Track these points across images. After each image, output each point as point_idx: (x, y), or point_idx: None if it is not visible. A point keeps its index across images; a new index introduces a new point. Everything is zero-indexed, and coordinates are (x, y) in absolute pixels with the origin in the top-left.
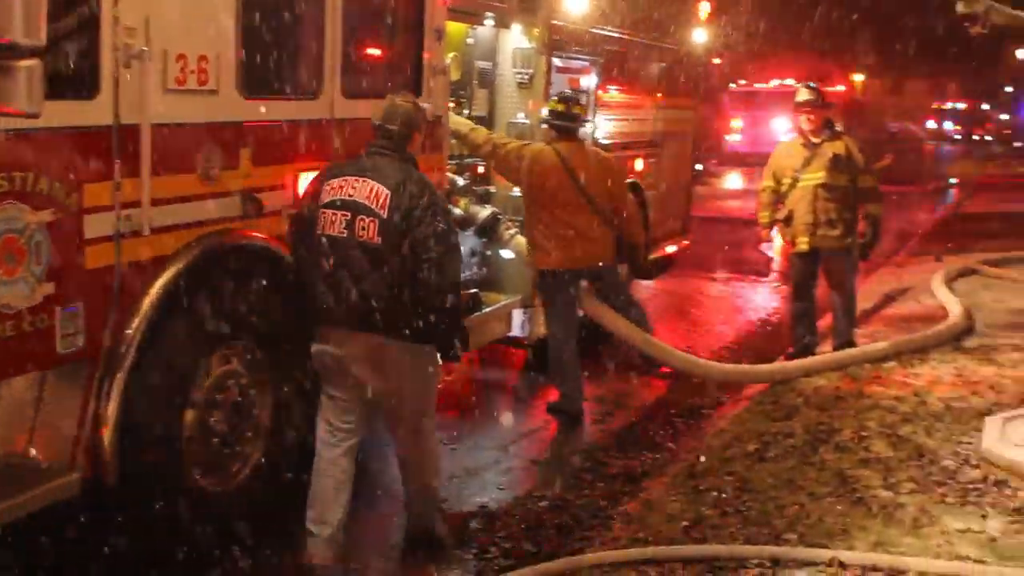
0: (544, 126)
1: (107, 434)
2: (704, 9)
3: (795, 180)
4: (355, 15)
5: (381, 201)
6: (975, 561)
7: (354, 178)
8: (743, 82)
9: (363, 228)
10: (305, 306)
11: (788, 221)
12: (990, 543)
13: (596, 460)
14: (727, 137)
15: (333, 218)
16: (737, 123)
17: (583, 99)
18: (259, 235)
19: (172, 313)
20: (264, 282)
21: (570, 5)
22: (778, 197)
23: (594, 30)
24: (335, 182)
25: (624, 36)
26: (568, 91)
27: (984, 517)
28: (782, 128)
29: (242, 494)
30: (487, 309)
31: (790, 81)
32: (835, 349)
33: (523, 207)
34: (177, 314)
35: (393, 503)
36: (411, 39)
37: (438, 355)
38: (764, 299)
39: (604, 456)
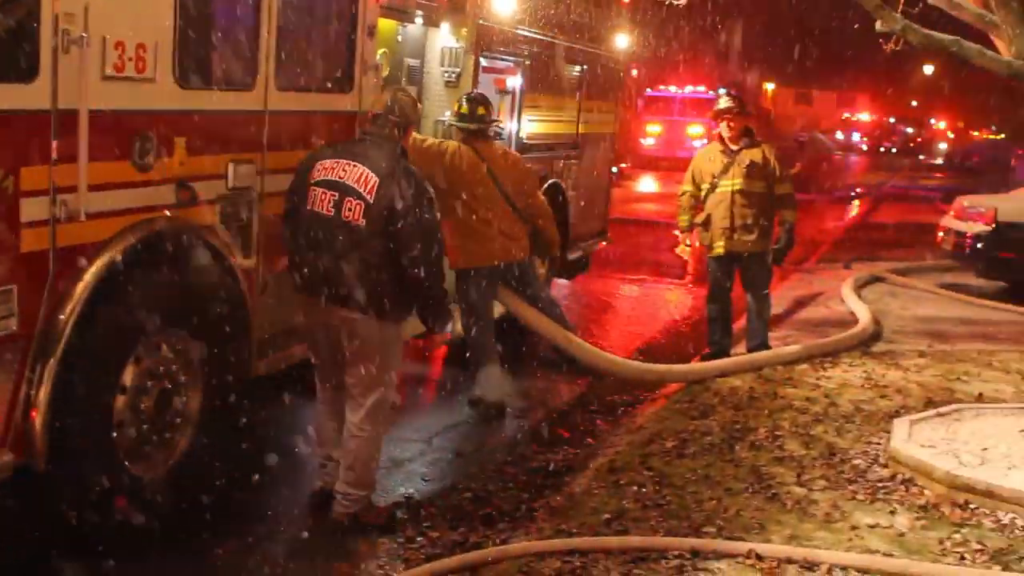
0: (451, 127)
1: (39, 418)
2: (625, 13)
3: (714, 185)
4: (291, 9)
5: (369, 186)
6: (884, 554)
7: (346, 161)
8: (661, 87)
9: (349, 209)
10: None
11: (706, 225)
12: (898, 538)
13: (518, 454)
14: (642, 141)
15: (323, 196)
16: (652, 127)
17: (497, 100)
18: (193, 223)
19: (106, 299)
20: (197, 270)
21: (498, 6)
22: (697, 201)
23: (520, 31)
24: (328, 162)
25: (549, 38)
26: (475, 92)
27: (892, 513)
28: (695, 133)
29: (172, 481)
30: None
31: (702, 88)
32: (749, 351)
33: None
34: (111, 300)
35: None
36: (344, 35)
37: (402, 330)
38: (679, 300)
39: (525, 450)
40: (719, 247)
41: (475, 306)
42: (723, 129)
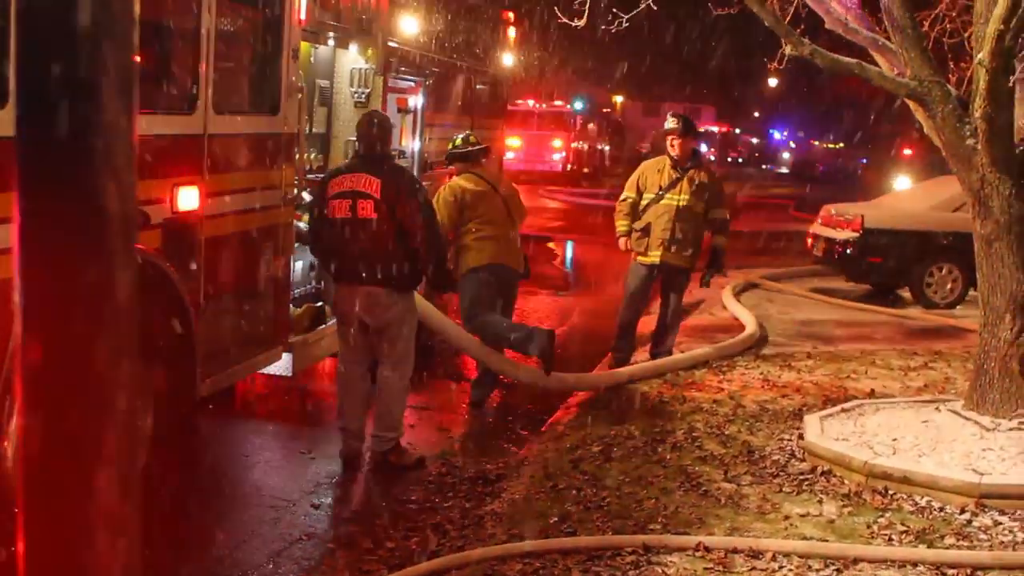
0: (450, 163)
1: (8, 447)
2: (512, 35)
3: (659, 196)
4: (226, 36)
5: (374, 187)
6: (820, 540)
7: (351, 174)
8: (519, 101)
9: (362, 208)
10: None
11: (645, 232)
12: (829, 524)
13: (451, 465)
14: (505, 155)
15: (340, 205)
16: (513, 141)
17: (399, 119)
18: (144, 247)
19: None
20: (147, 292)
21: (403, 27)
22: (635, 209)
23: (422, 52)
24: (337, 179)
25: (447, 59)
26: (466, 132)
27: (820, 503)
28: (556, 146)
29: None
30: (330, 323)
31: (559, 102)
32: (653, 357)
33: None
34: None
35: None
36: (271, 59)
37: (414, 298)
38: (567, 309)
39: (457, 461)
40: (655, 256)
41: (482, 299)
42: (668, 148)
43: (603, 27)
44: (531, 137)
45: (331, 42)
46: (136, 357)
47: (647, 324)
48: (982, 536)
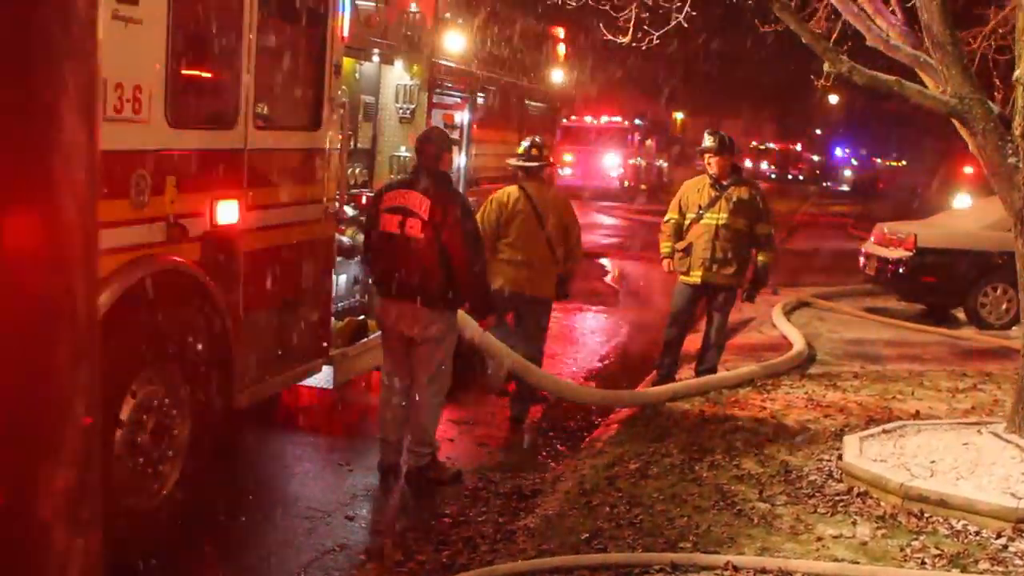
0: (513, 165)
1: None
2: (561, 51)
3: (699, 216)
4: (267, 51)
5: (424, 208)
6: (851, 562)
7: (405, 190)
8: (574, 117)
9: (411, 226)
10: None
11: (687, 251)
12: (862, 546)
13: (488, 479)
14: (559, 171)
15: (390, 219)
16: (568, 157)
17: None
18: (184, 260)
19: (107, 334)
20: (187, 305)
21: (448, 44)
22: (680, 229)
23: (468, 68)
24: (391, 193)
25: (494, 75)
26: (536, 137)
27: (854, 524)
28: (612, 163)
29: (164, 509)
30: (372, 336)
31: (618, 118)
32: (698, 375)
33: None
34: (112, 335)
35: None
36: (314, 74)
37: (456, 317)
38: (613, 327)
39: (494, 476)
40: (696, 276)
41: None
42: (708, 166)
43: (642, 43)
44: (587, 153)
45: (376, 58)
46: (97, 362)
47: (694, 343)
48: (1017, 561)
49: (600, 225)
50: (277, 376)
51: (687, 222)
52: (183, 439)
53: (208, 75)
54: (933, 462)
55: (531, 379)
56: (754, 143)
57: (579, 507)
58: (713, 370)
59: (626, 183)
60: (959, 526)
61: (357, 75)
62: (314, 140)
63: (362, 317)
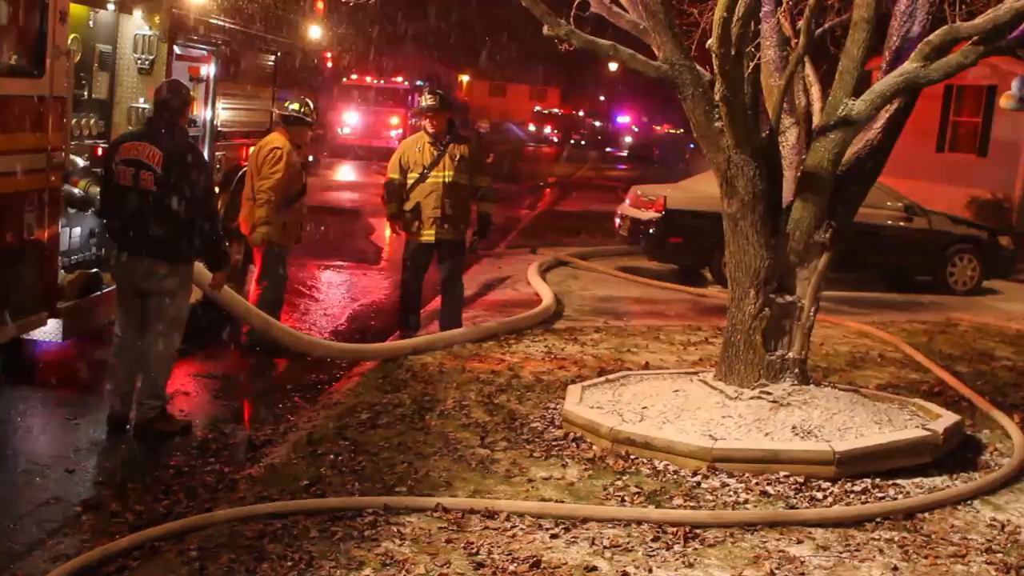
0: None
1: None
2: (320, 6)
3: (424, 176)
4: None
5: (156, 159)
6: (556, 501)
7: (139, 142)
8: (354, 77)
9: (144, 179)
10: None
11: (415, 213)
12: (569, 487)
13: (220, 431)
14: (338, 130)
15: (125, 172)
16: (348, 116)
17: (191, 88)
18: None
19: None
20: None
21: None
22: (402, 189)
23: (213, 20)
24: (126, 145)
25: (242, 28)
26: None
27: (564, 467)
28: (391, 123)
29: None
30: (106, 289)
31: (399, 78)
32: (443, 330)
33: None
34: None
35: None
36: (35, 18)
37: (191, 271)
38: (373, 284)
39: (226, 428)
40: (429, 235)
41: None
42: (426, 125)
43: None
44: (368, 113)
45: (111, 7)
46: None
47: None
48: (708, 497)
49: (376, 185)
50: None
51: (410, 182)
52: None
53: None
54: (644, 408)
55: (272, 334)
56: (538, 108)
57: (305, 456)
58: (458, 324)
59: None
60: (660, 466)
61: (91, 23)
62: (35, 87)
63: (95, 270)
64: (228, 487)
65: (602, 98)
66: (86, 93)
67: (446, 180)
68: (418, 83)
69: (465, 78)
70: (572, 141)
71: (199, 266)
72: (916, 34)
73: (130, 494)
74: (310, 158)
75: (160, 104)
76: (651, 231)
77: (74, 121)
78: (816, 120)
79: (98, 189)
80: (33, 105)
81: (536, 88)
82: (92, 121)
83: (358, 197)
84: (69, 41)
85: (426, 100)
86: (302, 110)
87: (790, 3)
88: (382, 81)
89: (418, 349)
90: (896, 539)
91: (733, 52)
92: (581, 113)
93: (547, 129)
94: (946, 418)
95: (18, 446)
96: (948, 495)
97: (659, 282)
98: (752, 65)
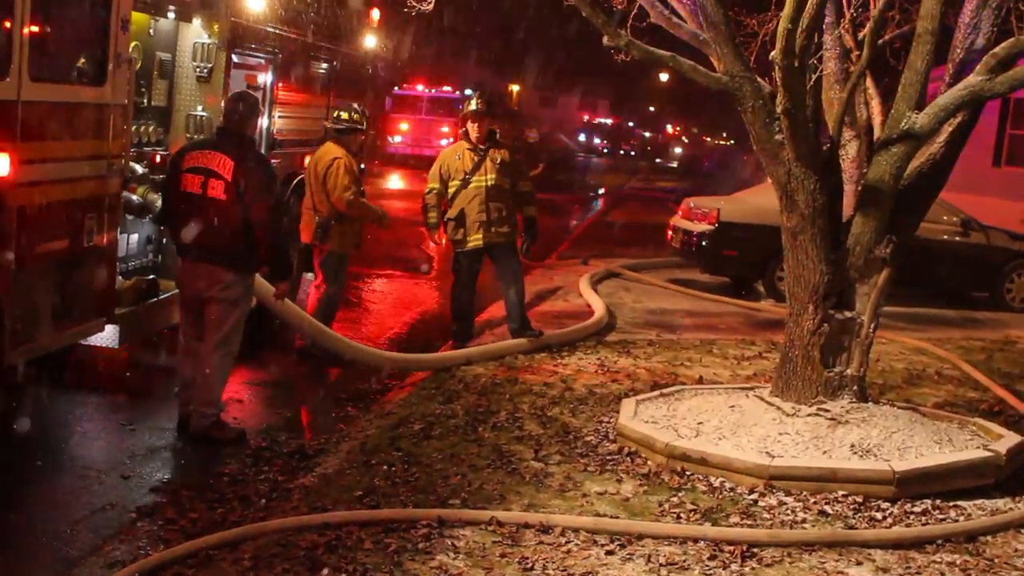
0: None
1: None
2: (375, 16)
3: (466, 182)
4: (46, 2)
5: (227, 169)
6: (610, 517)
7: (208, 151)
8: (406, 86)
9: (213, 187)
10: None
11: (459, 220)
12: (624, 502)
13: (273, 440)
14: (390, 139)
15: (192, 179)
16: (400, 126)
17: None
18: None
19: None
20: None
21: (250, 3)
22: (443, 199)
23: (271, 29)
24: (194, 153)
25: (298, 36)
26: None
27: (619, 482)
28: (443, 132)
29: None
30: (163, 295)
31: (448, 88)
32: (512, 332)
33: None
34: None
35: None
36: (98, 27)
37: (253, 280)
38: (424, 293)
39: (279, 436)
40: (476, 240)
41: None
42: (470, 130)
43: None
44: (418, 122)
45: (171, 15)
46: None
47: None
48: (765, 515)
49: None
50: (53, 334)
51: (452, 191)
52: None
53: None
54: (700, 423)
55: (326, 343)
56: (587, 118)
57: (358, 466)
58: (527, 325)
59: None
60: (717, 483)
61: (151, 31)
62: (98, 95)
63: (152, 277)
64: (282, 496)
65: (652, 109)
66: (146, 100)
67: (489, 183)
68: (467, 92)
69: (515, 88)
70: (622, 152)
71: (258, 277)
72: (981, 46)
73: (185, 501)
74: (362, 166)
75: (230, 113)
76: (704, 243)
77: (134, 128)
78: (877, 133)
79: (156, 196)
80: (95, 112)
81: (586, 99)
82: (151, 128)
83: (408, 206)
84: (130, 49)
85: (473, 103)
86: (352, 117)
87: (852, 15)
88: (433, 90)
89: (471, 359)
90: (958, 562)
91: (796, 64)
92: (631, 124)
93: (596, 140)
94: (1008, 438)
95: (74, 451)
96: (1011, 518)
97: (712, 295)
98: (814, 78)
